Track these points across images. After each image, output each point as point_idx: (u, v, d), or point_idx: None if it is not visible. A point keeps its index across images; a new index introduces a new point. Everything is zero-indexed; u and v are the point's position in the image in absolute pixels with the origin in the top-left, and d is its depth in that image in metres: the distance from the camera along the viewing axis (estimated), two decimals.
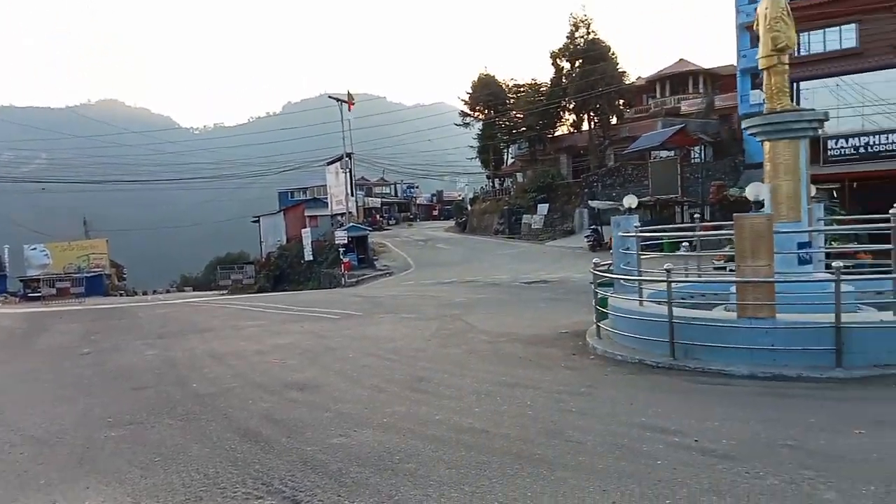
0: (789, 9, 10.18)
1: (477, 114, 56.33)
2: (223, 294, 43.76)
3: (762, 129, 10.09)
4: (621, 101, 47.53)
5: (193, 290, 63.94)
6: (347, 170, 42.77)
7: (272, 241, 55.49)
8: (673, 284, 8.76)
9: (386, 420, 6.70)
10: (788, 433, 5.55)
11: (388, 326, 14.07)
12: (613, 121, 48.36)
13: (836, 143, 24.21)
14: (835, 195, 23.67)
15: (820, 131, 10.40)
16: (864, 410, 6.15)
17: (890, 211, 8.34)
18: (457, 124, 58.35)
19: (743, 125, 11.78)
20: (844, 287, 8.21)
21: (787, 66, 10.31)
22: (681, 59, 52.07)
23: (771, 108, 10.19)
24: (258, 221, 61.41)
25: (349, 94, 44.11)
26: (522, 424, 6.31)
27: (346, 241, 35.20)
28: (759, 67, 10.59)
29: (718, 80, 48.12)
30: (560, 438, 5.82)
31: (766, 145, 10.12)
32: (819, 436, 5.48)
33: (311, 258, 42.15)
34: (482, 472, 5.09)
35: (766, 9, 10.17)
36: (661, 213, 32.15)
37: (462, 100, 56.84)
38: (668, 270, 8.73)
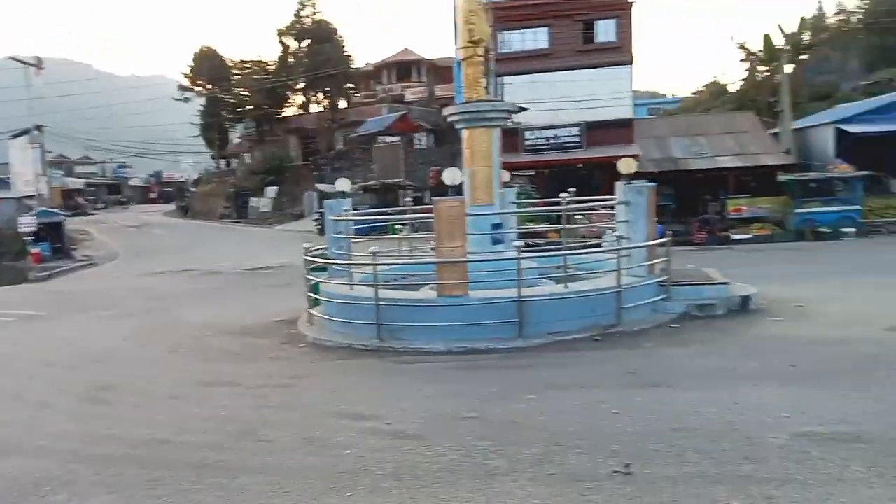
0: (483, 4, 10.84)
1: (199, 88, 52.28)
2: None
3: (461, 118, 10.65)
4: (349, 85, 47.94)
5: None
6: (38, 145, 36.53)
7: None
8: (382, 267, 8.86)
9: (43, 442, 5.65)
10: (472, 405, 5.86)
11: (78, 327, 12.27)
12: (342, 104, 48.59)
13: (532, 135, 27.06)
14: (532, 181, 26.56)
15: (511, 122, 11.32)
16: (537, 376, 6.76)
17: (561, 194, 9.39)
18: (176, 98, 53.58)
19: (444, 112, 12.37)
20: (530, 263, 9.07)
21: (482, 58, 10.96)
22: (405, 49, 54.04)
23: (468, 98, 10.80)
24: None
25: (38, 58, 37.78)
26: (212, 428, 5.80)
27: (35, 229, 30.05)
28: (458, 58, 11.14)
29: (440, 70, 50.94)
30: (251, 439, 5.44)
31: (465, 133, 10.70)
32: (497, 405, 5.87)
33: None
34: (151, 491, 4.49)
35: (462, 2, 10.73)
36: (387, 197, 33.15)
37: (184, 74, 52.40)
38: (373, 253, 8.78)
